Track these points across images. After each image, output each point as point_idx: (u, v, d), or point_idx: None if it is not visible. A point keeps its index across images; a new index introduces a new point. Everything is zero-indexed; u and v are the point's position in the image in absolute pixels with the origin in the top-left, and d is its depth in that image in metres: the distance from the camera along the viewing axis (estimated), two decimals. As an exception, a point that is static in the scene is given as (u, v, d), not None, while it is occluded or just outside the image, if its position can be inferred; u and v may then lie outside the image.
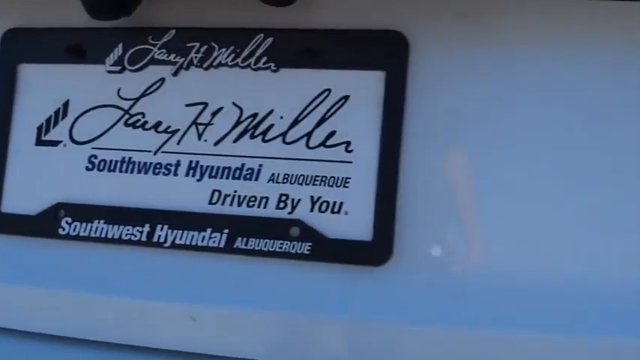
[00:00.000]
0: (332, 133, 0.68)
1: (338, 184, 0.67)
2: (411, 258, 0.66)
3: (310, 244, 0.66)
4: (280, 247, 0.67)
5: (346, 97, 0.67)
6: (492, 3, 0.67)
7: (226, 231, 0.68)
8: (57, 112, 0.77)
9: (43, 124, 0.77)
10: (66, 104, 0.76)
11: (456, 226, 0.66)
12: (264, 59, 0.69)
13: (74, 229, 0.73)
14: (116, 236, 0.72)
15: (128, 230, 0.71)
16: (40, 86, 0.78)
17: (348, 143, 0.67)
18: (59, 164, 0.76)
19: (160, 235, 0.70)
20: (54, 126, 0.77)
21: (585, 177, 0.64)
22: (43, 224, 0.75)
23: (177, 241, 0.69)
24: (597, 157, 0.64)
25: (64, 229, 0.74)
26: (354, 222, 0.66)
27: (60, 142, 0.76)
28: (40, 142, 0.77)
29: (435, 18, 0.67)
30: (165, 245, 0.70)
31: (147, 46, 0.73)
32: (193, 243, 0.69)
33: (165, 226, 0.70)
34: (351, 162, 0.67)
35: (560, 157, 0.65)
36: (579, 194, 0.64)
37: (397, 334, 0.65)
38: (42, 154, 0.76)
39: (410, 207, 0.66)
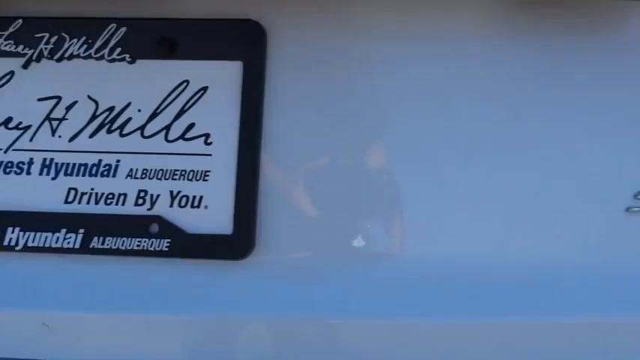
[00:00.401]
0: (191, 126, 0.66)
1: (197, 178, 0.66)
2: (273, 250, 0.66)
3: (170, 240, 0.64)
4: (139, 245, 0.65)
5: (205, 89, 0.66)
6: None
7: (82, 231, 0.65)
8: None
9: None
10: None
11: (317, 216, 0.66)
12: (119, 50, 0.67)
13: None
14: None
15: (-25, 234, 0.70)
16: None
17: (207, 135, 0.66)
18: None
19: (11, 238, 0.67)
20: None
21: (435, 165, 0.66)
22: None
23: (30, 244, 0.66)
24: (454, 148, 0.66)
25: None
26: (214, 216, 0.65)
27: None
28: None
29: (293, 7, 0.67)
30: (17, 249, 0.66)
31: (-7, 35, 0.72)
32: (47, 245, 0.66)
33: (17, 228, 0.66)
34: (210, 155, 0.66)
35: (417, 145, 0.66)
36: (433, 179, 0.65)
37: (261, 327, 0.65)
38: None
39: (271, 199, 0.66)
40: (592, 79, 0.67)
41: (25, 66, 0.69)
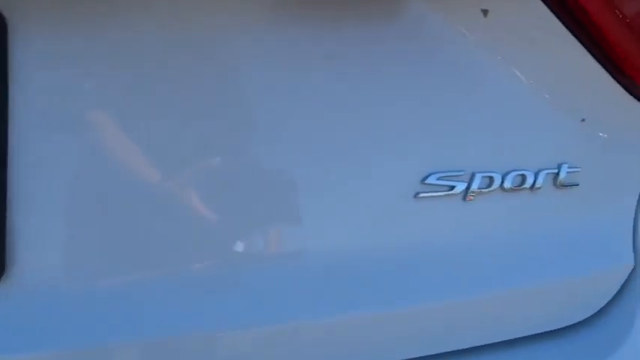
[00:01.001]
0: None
1: None
2: (28, 271, 0.59)
3: None
4: None
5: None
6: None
7: None
8: None
9: None
10: None
11: (80, 231, 0.60)
12: None
13: None
14: None
15: None
16: None
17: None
18: None
19: None
20: None
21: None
22: None
23: None
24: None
25: None
26: None
27: None
28: None
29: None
30: None
31: None
32: None
33: None
34: None
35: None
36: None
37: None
38: None
39: (23, 214, 0.59)
40: (371, 67, 0.68)
41: None
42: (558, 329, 0.84)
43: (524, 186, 0.78)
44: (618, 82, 0.79)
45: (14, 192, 0.58)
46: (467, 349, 0.79)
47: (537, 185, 0.78)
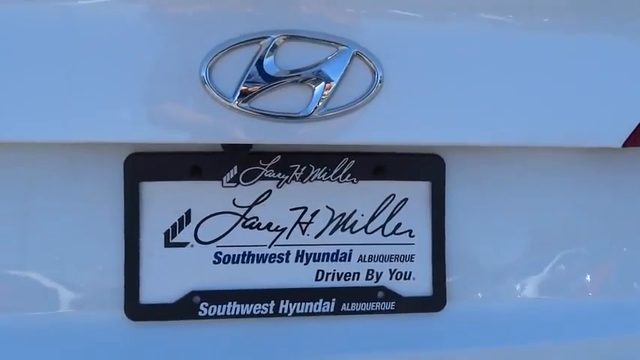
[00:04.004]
0: (398, 225, 1.04)
1: (406, 260, 1.05)
2: (460, 304, 1.06)
3: (393, 302, 1.05)
4: (374, 307, 1.05)
5: (405, 199, 1.05)
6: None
7: (333, 300, 1.05)
8: (181, 220, 1.09)
9: (169, 230, 1.07)
10: (188, 213, 1.09)
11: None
12: (348, 175, 1.06)
13: (211, 311, 1.05)
14: (247, 312, 1.05)
15: (256, 307, 1.05)
16: (161, 200, 1.07)
17: (410, 231, 1.04)
18: (189, 260, 1.06)
19: (282, 308, 1.05)
20: (179, 231, 1.09)
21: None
22: (182, 310, 1.05)
23: (298, 311, 1.05)
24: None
25: (202, 312, 1.05)
26: (420, 285, 1.04)
27: (187, 243, 1.06)
28: (168, 244, 1.06)
29: (462, 148, 1.06)
30: (289, 315, 1.05)
31: (257, 168, 1.07)
32: (308, 311, 1.05)
33: (287, 300, 1.05)
34: (413, 244, 1.04)
35: None
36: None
37: None
38: (171, 255, 1.06)
39: (455, 272, 1.06)
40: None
41: (279, 186, 1.07)
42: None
43: None
44: None
45: (449, 261, 1.05)
46: None
47: None
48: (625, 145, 1.08)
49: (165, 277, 1.05)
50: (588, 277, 1.15)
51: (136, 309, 1.04)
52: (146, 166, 1.05)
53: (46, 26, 0.94)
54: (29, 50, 0.94)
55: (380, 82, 0.99)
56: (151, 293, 1.05)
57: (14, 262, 1.03)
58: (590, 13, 1.07)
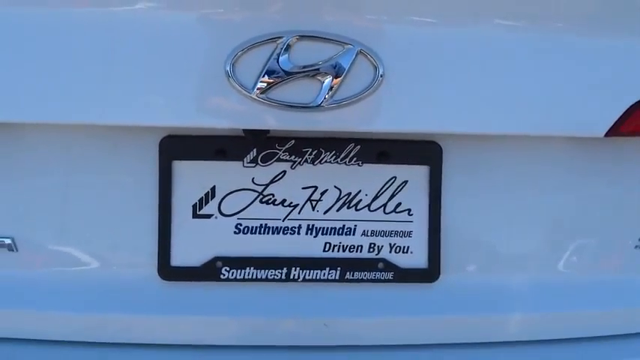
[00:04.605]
0: (399, 204, 1.17)
1: (405, 235, 1.18)
2: (458, 275, 1.19)
3: (392, 272, 1.19)
4: (374, 276, 1.19)
5: (405, 182, 1.18)
6: None
7: (338, 269, 1.19)
8: (207, 195, 1.24)
9: (196, 203, 1.22)
10: (213, 189, 1.23)
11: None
12: (354, 158, 1.20)
13: (231, 275, 1.21)
14: (262, 277, 1.20)
15: (270, 273, 1.20)
16: (190, 177, 1.22)
17: (409, 210, 1.17)
18: (213, 230, 1.22)
19: (293, 275, 1.20)
20: (205, 204, 1.23)
21: None
22: (206, 272, 1.21)
23: (307, 277, 1.20)
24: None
25: (223, 275, 1.21)
26: (416, 258, 1.17)
27: (212, 215, 1.22)
28: (195, 215, 1.22)
29: (459, 136, 1.19)
30: (299, 281, 1.20)
31: (274, 150, 1.21)
32: (315, 278, 1.19)
33: (298, 268, 1.20)
34: (412, 221, 1.17)
35: None
36: None
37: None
38: (198, 224, 1.22)
39: (450, 247, 1.19)
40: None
41: (293, 167, 1.21)
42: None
43: None
44: None
45: (445, 237, 1.18)
46: None
47: None
48: (607, 134, 1.18)
49: (193, 244, 1.21)
50: (572, 254, 1.25)
51: (168, 270, 1.20)
52: (178, 147, 1.20)
53: (99, 30, 1.10)
54: (85, 49, 1.10)
55: (381, 76, 1.12)
56: (180, 257, 1.21)
57: (66, 228, 1.20)
58: (576, 10, 1.17)
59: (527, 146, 1.24)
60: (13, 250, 1.21)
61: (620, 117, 1.17)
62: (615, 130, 1.17)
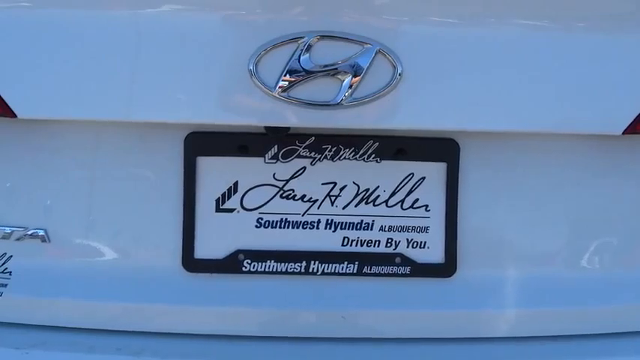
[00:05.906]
0: (416, 200, 1.22)
1: (422, 231, 1.23)
2: (474, 269, 1.23)
3: (409, 267, 1.24)
4: (392, 271, 1.24)
5: (423, 178, 1.23)
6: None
7: (357, 263, 1.24)
8: (229, 190, 1.29)
9: (219, 198, 1.28)
10: (236, 184, 1.29)
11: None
12: (372, 155, 1.25)
13: (253, 267, 1.27)
14: (282, 270, 1.26)
15: (290, 266, 1.26)
16: (214, 172, 1.28)
17: (427, 206, 1.22)
18: (235, 224, 1.28)
19: (312, 268, 1.26)
20: (228, 199, 1.29)
21: None
22: (228, 265, 1.27)
23: (325, 271, 1.25)
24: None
25: (245, 267, 1.27)
26: (433, 253, 1.22)
27: (234, 209, 1.28)
28: (218, 210, 1.28)
29: (477, 133, 1.23)
30: (318, 274, 1.25)
31: (294, 147, 1.26)
32: (334, 271, 1.25)
33: (317, 262, 1.26)
34: (429, 217, 1.22)
35: None
36: None
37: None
38: (221, 218, 1.28)
39: (466, 243, 1.23)
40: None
41: (313, 164, 1.26)
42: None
43: None
44: None
45: (461, 232, 1.22)
46: None
47: None
48: (625, 132, 1.21)
49: (216, 237, 1.28)
50: (588, 251, 1.28)
51: (192, 262, 1.26)
52: (202, 143, 1.26)
53: (129, 32, 1.17)
54: (116, 50, 1.17)
55: (399, 75, 1.17)
56: (203, 250, 1.27)
57: (95, 221, 1.26)
58: (594, 9, 1.20)
59: (543, 144, 1.27)
60: (46, 241, 1.28)
61: (638, 115, 1.19)
62: (633, 128, 1.20)
